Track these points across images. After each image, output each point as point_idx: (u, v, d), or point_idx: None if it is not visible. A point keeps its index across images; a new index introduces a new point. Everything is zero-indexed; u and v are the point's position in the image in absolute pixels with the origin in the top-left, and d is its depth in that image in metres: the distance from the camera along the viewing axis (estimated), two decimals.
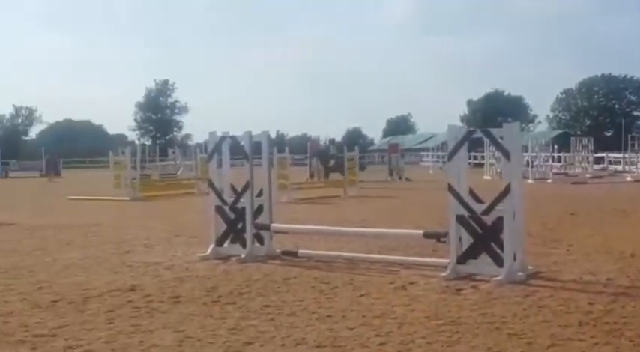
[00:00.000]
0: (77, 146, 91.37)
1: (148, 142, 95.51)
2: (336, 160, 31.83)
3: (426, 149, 79.10)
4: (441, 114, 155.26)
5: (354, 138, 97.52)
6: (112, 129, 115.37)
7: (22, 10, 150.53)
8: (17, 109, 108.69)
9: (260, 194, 10.25)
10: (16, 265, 9.69)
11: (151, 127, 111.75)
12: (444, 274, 8.27)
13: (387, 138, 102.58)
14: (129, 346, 5.64)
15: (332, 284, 8.06)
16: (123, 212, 19.11)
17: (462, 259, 8.36)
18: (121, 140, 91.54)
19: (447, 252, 8.57)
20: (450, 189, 8.48)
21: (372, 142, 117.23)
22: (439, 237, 8.99)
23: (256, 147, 10.30)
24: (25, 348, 5.60)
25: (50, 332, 6.08)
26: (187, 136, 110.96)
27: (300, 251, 10.17)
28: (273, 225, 10.23)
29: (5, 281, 8.48)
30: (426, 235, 9.31)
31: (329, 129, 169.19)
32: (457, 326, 6.11)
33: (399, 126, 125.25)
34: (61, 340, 5.82)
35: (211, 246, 10.16)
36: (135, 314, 6.69)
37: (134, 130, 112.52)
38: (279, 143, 42.83)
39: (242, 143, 10.25)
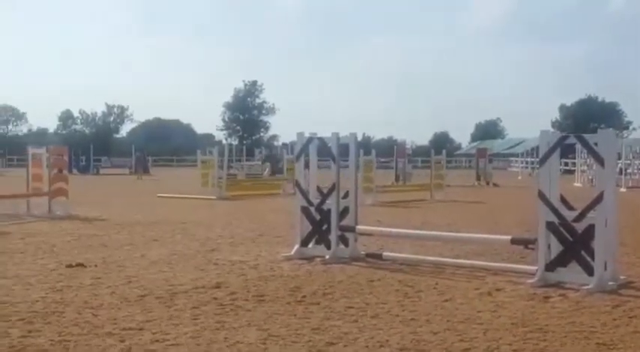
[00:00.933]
0: (166, 144, 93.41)
1: (235, 142, 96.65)
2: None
3: (515, 154, 77.90)
4: (531, 120, 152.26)
5: (441, 143, 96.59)
6: (200, 129, 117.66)
7: (116, 10, 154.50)
8: (109, 107, 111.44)
9: (346, 196, 10.26)
10: (106, 259, 9.92)
11: (238, 127, 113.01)
12: (531, 281, 8.11)
13: (475, 143, 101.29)
14: (213, 342, 5.70)
15: (416, 287, 8.01)
16: (209, 210, 19.39)
17: (550, 266, 8.18)
18: (208, 140, 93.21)
19: (535, 258, 8.40)
20: (541, 195, 8.30)
21: (459, 147, 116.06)
22: (527, 243, 8.80)
23: (343, 149, 10.32)
24: (113, 340, 5.72)
25: (138, 325, 6.20)
26: (274, 137, 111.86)
27: (385, 253, 10.12)
28: (358, 227, 10.22)
29: (95, 274, 8.69)
30: (514, 241, 9.15)
31: (415, 132, 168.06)
32: (544, 334, 5.99)
33: (488, 130, 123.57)
34: (148, 334, 5.93)
35: (296, 247, 10.20)
36: (220, 311, 6.77)
37: (222, 130, 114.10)
38: (366, 145, 42.81)
39: (329, 145, 10.27)
